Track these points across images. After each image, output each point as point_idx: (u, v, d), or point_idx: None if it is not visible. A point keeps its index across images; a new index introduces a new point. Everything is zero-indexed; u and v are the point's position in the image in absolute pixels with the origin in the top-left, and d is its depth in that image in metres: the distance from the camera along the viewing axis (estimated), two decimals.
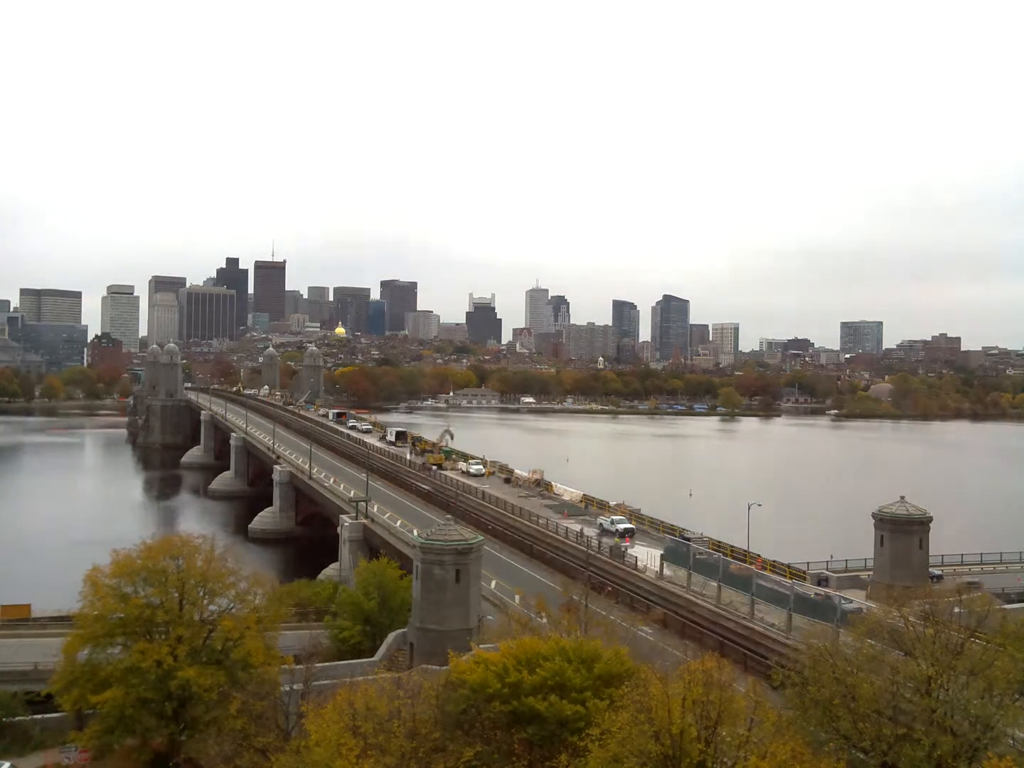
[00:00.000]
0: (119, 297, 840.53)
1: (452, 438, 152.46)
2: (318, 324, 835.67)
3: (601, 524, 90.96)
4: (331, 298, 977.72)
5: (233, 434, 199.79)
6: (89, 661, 49.94)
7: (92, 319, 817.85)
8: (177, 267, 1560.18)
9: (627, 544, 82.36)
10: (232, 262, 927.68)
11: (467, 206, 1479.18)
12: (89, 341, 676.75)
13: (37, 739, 54.89)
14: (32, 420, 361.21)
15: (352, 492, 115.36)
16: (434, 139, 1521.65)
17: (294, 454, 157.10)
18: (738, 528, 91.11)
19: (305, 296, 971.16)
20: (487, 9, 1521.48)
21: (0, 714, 55.58)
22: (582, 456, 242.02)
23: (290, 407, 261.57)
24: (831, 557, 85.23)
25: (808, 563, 79.54)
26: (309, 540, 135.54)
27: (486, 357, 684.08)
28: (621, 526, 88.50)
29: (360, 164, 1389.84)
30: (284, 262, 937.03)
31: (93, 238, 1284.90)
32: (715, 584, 65.86)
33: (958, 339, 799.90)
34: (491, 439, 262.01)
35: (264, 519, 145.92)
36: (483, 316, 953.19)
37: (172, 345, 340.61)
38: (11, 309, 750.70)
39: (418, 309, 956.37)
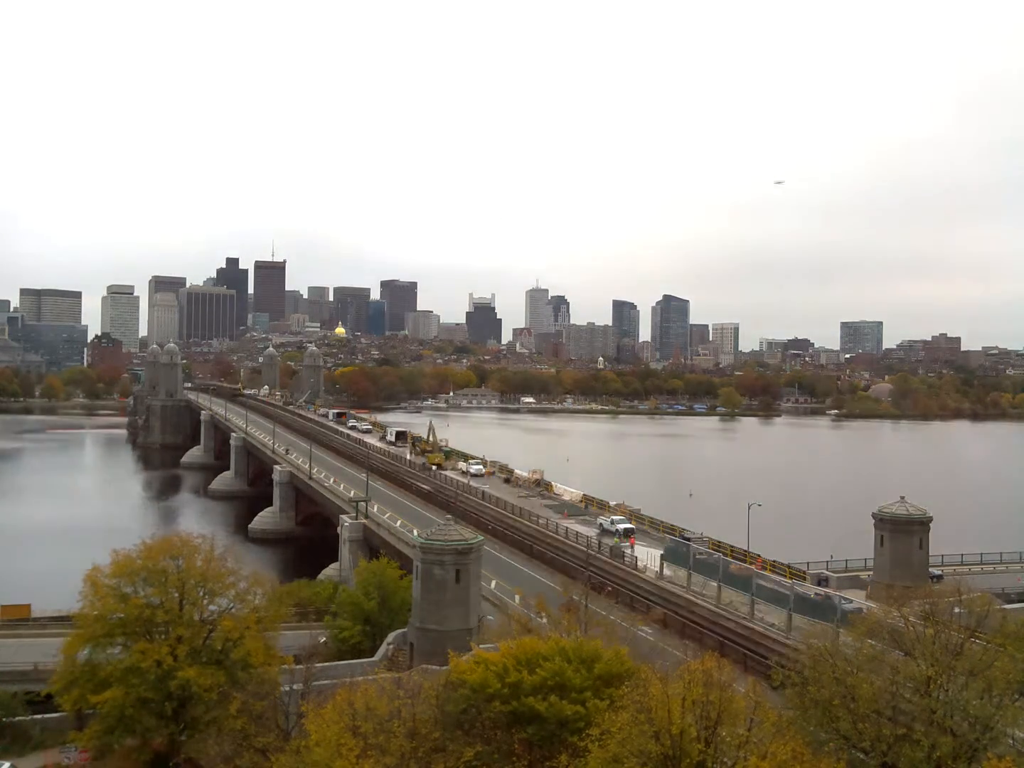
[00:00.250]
0: (119, 297, 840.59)
1: (435, 433, 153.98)
2: (318, 324, 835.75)
3: (601, 524, 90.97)
4: (331, 298, 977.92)
5: (233, 434, 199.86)
6: (89, 661, 49.95)
7: (92, 319, 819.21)
8: (177, 267, 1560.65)
9: (629, 544, 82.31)
10: (232, 262, 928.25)
11: (467, 205, 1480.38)
12: (89, 341, 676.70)
13: (37, 739, 54.92)
14: (32, 420, 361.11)
15: (352, 492, 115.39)
16: (433, 139, 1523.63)
17: (294, 454, 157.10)
18: (738, 528, 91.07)
19: (305, 296, 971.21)
20: (488, 10, 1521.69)
21: (0, 714, 55.58)
22: (582, 456, 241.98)
23: (290, 407, 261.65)
24: (831, 557, 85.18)
25: (808, 563, 79.52)
26: (309, 540, 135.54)
27: (486, 357, 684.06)
28: (621, 526, 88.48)
29: (360, 164, 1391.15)
30: (284, 262, 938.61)
31: (93, 238, 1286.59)
32: (715, 584, 65.87)
33: (958, 339, 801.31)
34: (491, 439, 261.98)
35: (264, 519, 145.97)
36: (483, 316, 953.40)
37: (172, 345, 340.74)
38: (11, 309, 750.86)
39: (418, 309, 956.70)
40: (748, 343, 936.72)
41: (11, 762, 50.80)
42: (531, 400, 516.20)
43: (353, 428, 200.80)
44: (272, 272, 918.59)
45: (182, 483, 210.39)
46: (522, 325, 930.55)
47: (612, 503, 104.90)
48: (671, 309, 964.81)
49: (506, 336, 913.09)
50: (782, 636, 56.40)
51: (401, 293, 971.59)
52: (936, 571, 77.38)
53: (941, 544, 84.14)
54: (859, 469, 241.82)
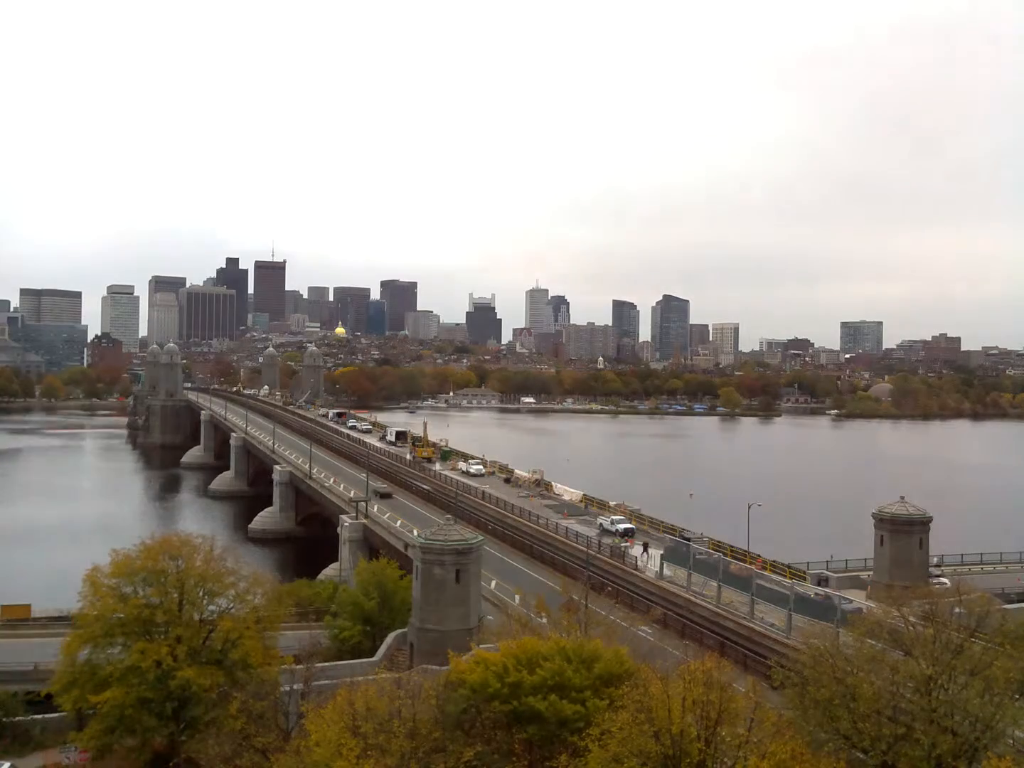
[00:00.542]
0: (119, 297, 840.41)
1: (427, 429, 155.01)
2: (318, 324, 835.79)
3: (601, 524, 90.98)
4: (331, 298, 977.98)
5: (233, 434, 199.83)
6: (89, 661, 49.91)
7: (92, 319, 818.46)
8: (177, 267, 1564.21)
9: (628, 544, 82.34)
10: (232, 262, 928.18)
11: (466, 205, 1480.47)
12: (89, 341, 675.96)
13: (37, 739, 54.95)
14: (32, 420, 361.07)
15: (352, 492, 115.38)
16: (432, 139, 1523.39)
17: (294, 454, 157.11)
18: (738, 528, 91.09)
19: (305, 296, 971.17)
20: (487, 9, 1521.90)
21: (0, 714, 55.58)
22: (582, 456, 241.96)
23: (290, 407, 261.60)
24: (831, 557, 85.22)
25: (808, 563, 79.55)
26: (309, 540, 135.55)
27: (486, 357, 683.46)
28: (621, 526, 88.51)
29: (359, 164, 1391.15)
30: (284, 262, 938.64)
31: (93, 238, 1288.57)
32: (715, 584, 65.86)
33: (958, 339, 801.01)
34: (491, 439, 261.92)
35: (264, 519, 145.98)
36: (483, 316, 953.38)
37: (172, 345, 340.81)
38: (11, 309, 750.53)
39: (418, 309, 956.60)
40: (748, 343, 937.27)
41: (11, 762, 50.82)
42: (531, 400, 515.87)
43: (353, 428, 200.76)
44: (272, 272, 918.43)
45: (182, 483, 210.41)
46: (522, 325, 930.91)
47: (612, 503, 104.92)
48: (671, 309, 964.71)
49: (506, 336, 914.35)
50: (782, 636, 56.41)
51: (401, 293, 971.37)
52: (936, 571, 77.40)
53: (941, 544, 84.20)
54: (859, 469, 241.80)
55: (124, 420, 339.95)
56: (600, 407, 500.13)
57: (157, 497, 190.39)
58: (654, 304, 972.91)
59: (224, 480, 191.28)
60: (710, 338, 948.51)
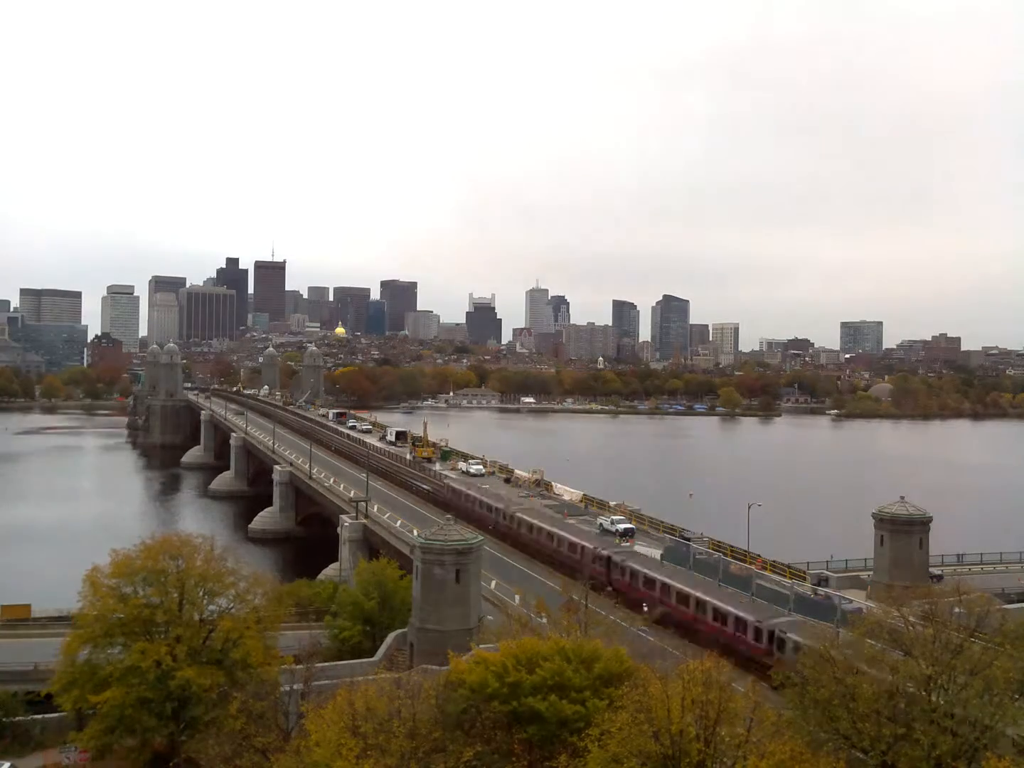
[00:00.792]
0: (119, 297, 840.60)
1: (427, 429, 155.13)
2: (318, 324, 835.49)
3: (601, 524, 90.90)
4: (331, 298, 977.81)
5: (233, 434, 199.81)
6: (89, 661, 49.91)
7: (92, 319, 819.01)
8: (177, 267, 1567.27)
9: (629, 544, 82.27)
10: (232, 262, 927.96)
11: (467, 205, 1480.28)
12: (89, 341, 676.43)
13: (37, 739, 54.94)
14: (32, 420, 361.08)
15: (352, 492, 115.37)
16: (432, 139, 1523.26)
17: (294, 454, 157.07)
18: (738, 528, 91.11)
19: (305, 296, 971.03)
20: (488, 9, 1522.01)
21: (0, 714, 55.59)
22: (582, 456, 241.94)
23: (290, 407, 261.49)
24: (831, 557, 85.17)
25: (808, 563, 79.51)
26: (309, 540, 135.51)
27: (486, 357, 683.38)
28: (621, 526, 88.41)
29: (359, 164, 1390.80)
30: (284, 262, 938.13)
31: (93, 238, 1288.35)
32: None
33: (958, 339, 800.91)
34: (491, 439, 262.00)
35: (264, 519, 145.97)
36: (483, 316, 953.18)
37: (172, 345, 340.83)
38: (11, 309, 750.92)
39: (418, 309, 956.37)
40: (748, 343, 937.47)
41: (11, 762, 50.82)
42: (531, 400, 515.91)
43: (353, 428, 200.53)
44: (272, 272, 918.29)
45: (182, 483, 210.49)
46: (522, 325, 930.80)
47: (612, 503, 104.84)
48: (671, 309, 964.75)
49: (506, 336, 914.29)
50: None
51: (401, 293, 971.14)
52: (936, 571, 77.41)
53: (941, 544, 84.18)
54: (859, 469, 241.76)
55: (124, 420, 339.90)
56: (600, 407, 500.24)
57: (157, 497, 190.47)
58: (654, 304, 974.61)
59: (224, 480, 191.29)
60: (710, 338, 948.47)
